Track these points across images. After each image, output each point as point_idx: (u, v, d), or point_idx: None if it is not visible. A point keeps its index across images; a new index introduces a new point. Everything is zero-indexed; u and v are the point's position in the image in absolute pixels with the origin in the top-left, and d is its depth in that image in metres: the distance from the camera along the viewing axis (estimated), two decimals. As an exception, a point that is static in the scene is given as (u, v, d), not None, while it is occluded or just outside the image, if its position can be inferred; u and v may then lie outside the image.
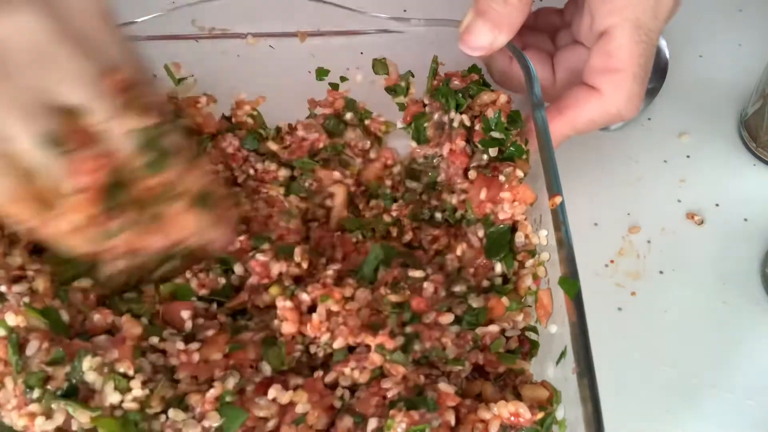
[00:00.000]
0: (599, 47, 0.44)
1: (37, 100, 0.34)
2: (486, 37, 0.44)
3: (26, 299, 0.36)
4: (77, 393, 0.33)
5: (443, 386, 0.34)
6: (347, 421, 0.34)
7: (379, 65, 0.50)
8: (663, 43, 0.60)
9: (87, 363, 0.33)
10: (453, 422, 0.34)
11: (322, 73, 0.51)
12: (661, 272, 0.51)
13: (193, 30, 0.47)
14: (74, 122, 0.35)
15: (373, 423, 0.34)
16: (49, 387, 0.33)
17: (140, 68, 0.38)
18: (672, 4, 0.44)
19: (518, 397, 0.36)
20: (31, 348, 0.34)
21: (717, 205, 0.54)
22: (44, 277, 0.38)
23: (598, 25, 0.44)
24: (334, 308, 0.37)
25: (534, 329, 0.40)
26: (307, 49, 0.49)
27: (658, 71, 0.59)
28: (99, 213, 0.36)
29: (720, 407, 0.46)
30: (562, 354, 0.36)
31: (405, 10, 0.64)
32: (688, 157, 0.57)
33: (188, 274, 0.41)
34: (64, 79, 0.34)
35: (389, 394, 0.35)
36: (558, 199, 0.38)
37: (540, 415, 0.34)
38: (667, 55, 0.60)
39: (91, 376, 0.33)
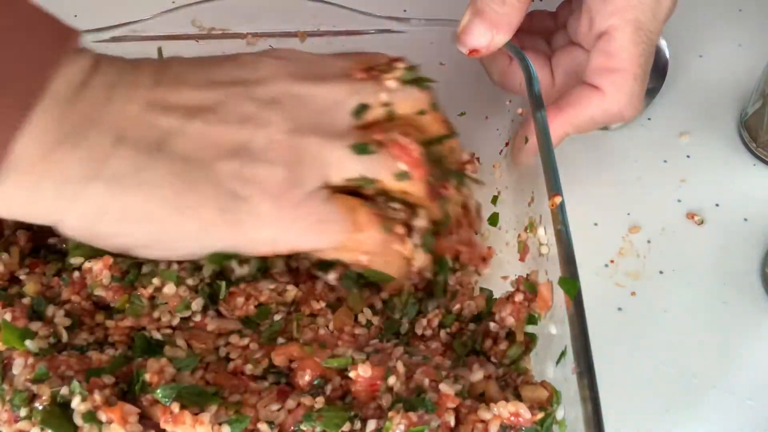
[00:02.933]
0: (600, 48, 0.44)
1: (335, 128, 0.39)
2: (484, 38, 0.44)
3: (8, 316, 0.35)
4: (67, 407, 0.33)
5: (444, 387, 0.34)
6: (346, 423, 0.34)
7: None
8: (663, 43, 0.60)
9: (76, 403, 0.32)
10: (453, 423, 0.34)
11: None
12: (661, 272, 0.51)
13: (193, 30, 0.47)
14: (370, 125, 0.40)
15: (371, 425, 0.34)
16: (36, 405, 0.32)
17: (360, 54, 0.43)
18: (671, 4, 0.44)
19: (518, 397, 0.36)
20: (17, 366, 0.34)
21: (717, 205, 0.54)
22: (35, 281, 0.38)
23: (598, 26, 0.44)
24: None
25: (534, 320, 0.40)
26: (307, 49, 0.49)
27: (658, 71, 0.59)
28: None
29: (720, 407, 0.46)
30: (562, 354, 0.36)
31: (405, 10, 0.64)
32: (688, 157, 0.57)
33: None
34: (335, 102, 0.39)
35: (384, 402, 0.35)
36: (558, 199, 0.38)
37: (540, 416, 0.34)
38: (667, 55, 0.60)
39: (78, 421, 0.32)
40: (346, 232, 0.38)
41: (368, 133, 0.39)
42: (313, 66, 0.40)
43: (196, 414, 0.32)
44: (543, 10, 0.53)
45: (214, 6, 0.47)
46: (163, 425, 0.33)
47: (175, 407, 0.32)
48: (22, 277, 0.39)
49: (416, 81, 0.41)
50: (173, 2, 0.58)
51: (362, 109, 0.39)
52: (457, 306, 0.42)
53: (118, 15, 0.47)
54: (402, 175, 0.39)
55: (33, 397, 0.33)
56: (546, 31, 0.52)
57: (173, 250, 0.37)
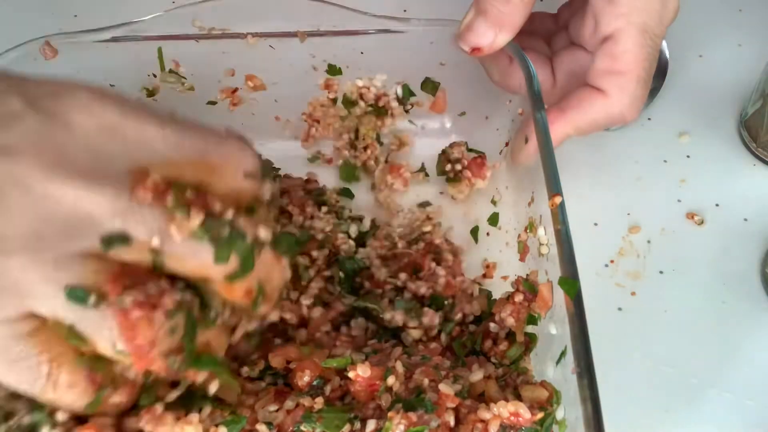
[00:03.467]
0: (604, 50, 0.44)
1: (64, 251, 0.28)
2: (487, 36, 0.44)
3: None
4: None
5: (444, 387, 0.34)
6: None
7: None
8: (663, 44, 0.60)
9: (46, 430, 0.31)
10: (452, 423, 0.34)
11: (333, 71, 0.51)
12: (661, 272, 0.51)
13: (193, 30, 0.47)
14: (119, 264, 0.29)
15: (371, 425, 0.34)
16: (10, 423, 0.31)
17: (188, 144, 0.30)
18: (676, 9, 0.44)
19: (518, 397, 0.36)
20: None
21: (717, 205, 0.54)
22: None
23: (604, 29, 0.44)
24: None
25: (534, 320, 0.40)
26: (307, 49, 0.49)
27: (658, 71, 0.58)
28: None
29: (720, 407, 0.46)
30: (562, 354, 0.36)
31: (405, 10, 0.64)
32: (688, 157, 0.57)
33: None
34: (87, 217, 0.28)
35: (383, 402, 0.35)
36: (558, 199, 0.38)
37: (540, 416, 0.34)
38: (667, 55, 0.60)
39: None
40: (40, 387, 0.30)
41: (106, 273, 0.28)
42: (99, 143, 0.28)
43: (179, 418, 0.32)
44: (544, 12, 0.53)
45: (214, 6, 0.47)
46: (143, 426, 0.32)
47: (158, 409, 0.32)
48: None
49: (228, 240, 0.30)
50: (173, 2, 0.58)
51: (118, 241, 0.28)
52: (459, 315, 0.42)
53: (118, 15, 0.47)
54: (120, 353, 0.29)
55: (8, 415, 0.32)
56: (547, 32, 0.52)
57: None
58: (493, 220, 0.51)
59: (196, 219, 0.29)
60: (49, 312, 0.28)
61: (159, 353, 0.29)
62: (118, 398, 0.31)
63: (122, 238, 0.28)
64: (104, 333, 0.29)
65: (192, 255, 0.30)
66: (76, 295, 0.28)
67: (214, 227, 0.29)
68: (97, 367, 0.30)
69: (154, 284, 0.29)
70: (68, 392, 0.30)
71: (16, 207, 0.27)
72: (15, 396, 0.31)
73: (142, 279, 0.29)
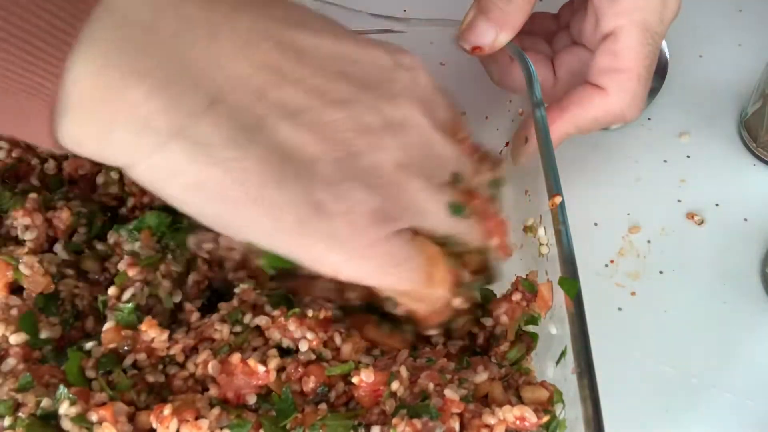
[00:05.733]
0: (605, 47, 0.44)
1: (436, 179, 0.36)
2: (488, 36, 0.44)
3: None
4: (55, 417, 0.32)
5: (449, 393, 0.34)
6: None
7: None
8: (663, 43, 0.60)
9: (64, 408, 0.32)
10: (457, 428, 0.33)
11: None
12: (661, 272, 0.51)
13: (194, 30, 0.47)
14: (460, 189, 0.38)
15: (375, 431, 0.34)
16: (20, 414, 0.32)
17: (463, 124, 0.40)
18: (676, 7, 0.44)
19: (519, 398, 0.36)
20: (6, 366, 0.34)
21: (717, 205, 0.54)
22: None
23: (605, 27, 0.44)
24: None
25: (534, 320, 0.40)
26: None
27: (658, 71, 0.58)
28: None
29: (720, 407, 0.46)
30: (562, 354, 0.36)
31: (405, 10, 0.64)
32: (688, 157, 0.57)
33: None
34: (444, 157, 0.36)
35: (388, 407, 0.35)
36: (558, 199, 0.38)
37: (545, 419, 0.34)
38: (667, 55, 0.60)
39: (67, 425, 0.32)
40: (418, 283, 0.36)
41: (464, 196, 0.37)
42: (440, 112, 0.38)
43: (188, 420, 0.32)
44: (545, 12, 0.53)
45: (214, 6, 0.47)
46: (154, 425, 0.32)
47: (167, 409, 0.32)
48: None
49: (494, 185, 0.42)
50: (173, 2, 0.58)
51: (458, 179, 0.38)
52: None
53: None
54: (485, 248, 0.39)
55: (18, 405, 0.32)
56: (547, 32, 0.52)
57: (235, 234, 0.34)
58: None
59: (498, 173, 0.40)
60: (431, 225, 0.36)
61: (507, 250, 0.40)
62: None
63: (459, 177, 0.38)
64: (477, 233, 0.38)
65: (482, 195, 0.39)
66: (457, 208, 0.36)
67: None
68: (456, 264, 0.38)
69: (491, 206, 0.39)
70: (440, 285, 0.36)
71: (414, 141, 0.35)
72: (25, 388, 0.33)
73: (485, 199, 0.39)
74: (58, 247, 0.40)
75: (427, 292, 0.36)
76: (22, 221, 0.39)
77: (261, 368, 0.34)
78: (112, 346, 0.36)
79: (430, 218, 0.35)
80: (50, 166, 0.44)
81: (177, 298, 0.39)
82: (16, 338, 0.35)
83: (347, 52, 0.34)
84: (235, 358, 0.34)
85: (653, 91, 0.59)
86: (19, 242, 0.39)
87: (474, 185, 0.38)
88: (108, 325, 0.36)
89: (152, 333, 0.35)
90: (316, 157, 0.31)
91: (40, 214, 0.40)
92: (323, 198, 0.31)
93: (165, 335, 0.35)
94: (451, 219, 0.36)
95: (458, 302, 0.38)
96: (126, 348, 0.36)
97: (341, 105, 0.32)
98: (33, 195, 0.40)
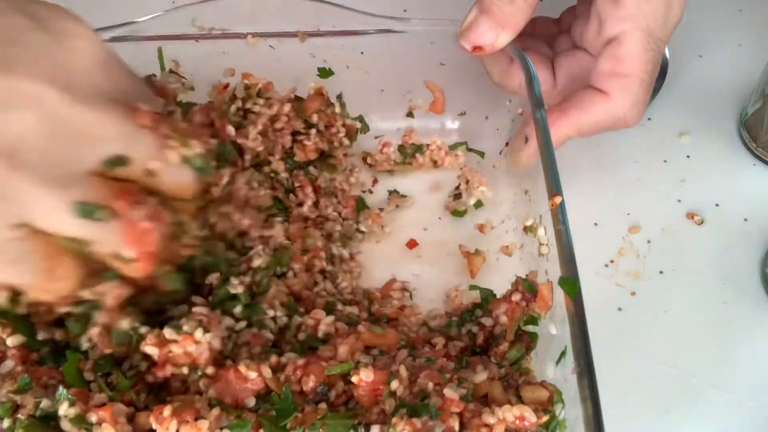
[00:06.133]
0: (608, 52, 0.44)
1: (69, 169, 0.30)
2: (489, 36, 0.44)
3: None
4: (54, 418, 0.32)
5: (448, 392, 0.34)
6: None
7: None
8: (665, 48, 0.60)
9: (63, 409, 0.32)
10: (457, 428, 0.33)
11: (324, 73, 0.51)
12: (661, 272, 0.51)
13: (193, 30, 0.47)
14: (117, 182, 0.32)
15: (375, 430, 0.34)
16: (19, 416, 0.32)
17: (155, 99, 0.36)
18: (680, 13, 0.44)
19: (519, 398, 0.36)
20: (4, 368, 0.34)
21: (717, 205, 0.54)
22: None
23: (608, 31, 0.44)
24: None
25: (534, 320, 0.40)
26: (307, 49, 0.49)
27: (659, 71, 0.59)
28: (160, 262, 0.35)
29: (720, 407, 0.46)
30: (562, 354, 0.36)
31: (405, 10, 0.64)
32: (688, 157, 0.57)
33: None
34: (94, 138, 0.31)
35: (387, 407, 0.35)
36: (558, 199, 0.38)
37: (545, 419, 0.34)
38: (667, 55, 0.60)
39: (66, 426, 0.32)
40: (38, 278, 0.32)
41: (107, 190, 0.32)
42: (97, 74, 0.32)
43: (188, 421, 0.32)
44: (546, 16, 0.54)
45: (214, 6, 0.47)
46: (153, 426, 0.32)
47: (167, 410, 0.32)
48: None
49: (202, 169, 0.36)
50: (173, 2, 0.58)
51: (119, 162, 0.32)
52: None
53: (118, 15, 0.47)
54: (124, 260, 0.33)
55: (17, 407, 0.33)
56: (549, 35, 0.52)
57: None
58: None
59: (197, 147, 0.34)
60: (49, 226, 0.31)
61: (157, 258, 0.34)
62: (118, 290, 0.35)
63: (123, 160, 0.32)
64: (111, 242, 0.32)
65: (179, 176, 0.34)
66: (86, 209, 0.31)
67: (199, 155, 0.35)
68: (88, 262, 0.33)
69: (152, 200, 0.33)
70: (64, 280, 0.33)
71: (30, 123, 0.29)
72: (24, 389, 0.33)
73: (138, 197, 0.33)
74: None
75: (51, 285, 0.33)
76: None
77: (252, 374, 0.34)
78: (107, 351, 0.36)
79: (43, 219, 0.31)
80: None
81: None
82: (13, 340, 0.35)
83: None
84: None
85: (653, 92, 0.58)
86: None
87: (153, 167, 0.33)
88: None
89: (141, 330, 0.35)
90: None
91: None
92: None
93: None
94: (76, 221, 0.31)
95: (99, 291, 0.35)
96: (122, 352, 0.36)
97: None
98: None
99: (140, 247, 0.33)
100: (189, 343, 0.35)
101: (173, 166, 0.34)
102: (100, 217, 0.31)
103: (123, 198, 0.32)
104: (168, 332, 0.35)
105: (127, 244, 0.32)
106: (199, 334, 0.35)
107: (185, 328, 0.35)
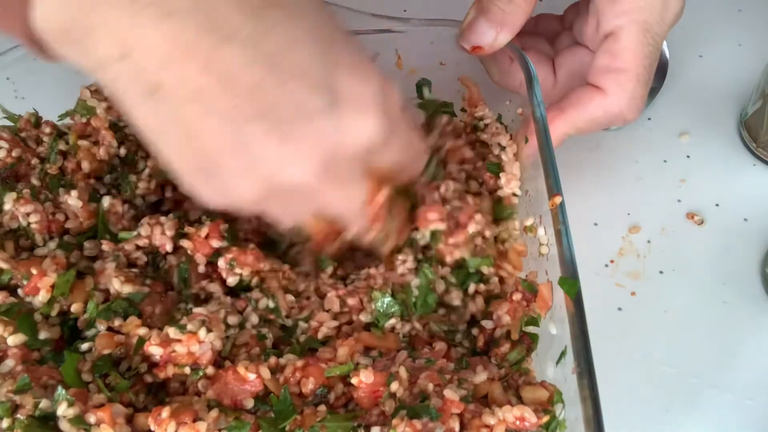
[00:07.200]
0: (605, 47, 0.44)
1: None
2: (488, 35, 0.44)
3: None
4: (53, 418, 0.32)
5: (449, 393, 0.34)
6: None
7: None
8: (663, 43, 0.60)
9: (62, 409, 0.32)
10: (457, 429, 0.33)
11: None
12: (661, 272, 0.51)
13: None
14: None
15: (375, 431, 0.34)
16: (18, 416, 0.32)
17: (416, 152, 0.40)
18: (678, 10, 0.44)
19: (519, 398, 0.36)
20: (5, 367, 0.34)
21: (717, 205, 0.54)
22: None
23: (605, 27, 0.44)
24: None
25: (534, 321, 0.40)
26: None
27: (658, 71, 0.58)
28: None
29: (720, 407, 0.46)
30: (562, 354, 0.36)
31: (405, 10, 0.64)
32: (688, 157, 0.57)
33: None
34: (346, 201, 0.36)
35: (387, 408, 0.35)
36: (558, 199, 0.38)
37: (545, 419, 0.34)
38: (667, 55, 0.60)
39: (65, 426, 0.32)
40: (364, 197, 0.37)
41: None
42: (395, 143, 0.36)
43: (186, 422, 0.32)
44: (550, 14, 0.53)
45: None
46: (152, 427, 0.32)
47: (165, 412, 0.32)
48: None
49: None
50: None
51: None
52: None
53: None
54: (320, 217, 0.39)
55: (16, 407, 0.33)
56: (551, 33, 0.52)
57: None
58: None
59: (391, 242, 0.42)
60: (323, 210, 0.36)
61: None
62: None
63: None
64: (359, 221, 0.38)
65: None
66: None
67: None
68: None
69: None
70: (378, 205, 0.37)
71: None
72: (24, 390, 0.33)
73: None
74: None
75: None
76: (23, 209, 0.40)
77: (251, 376, 0.34)
78: (106, 352, 0.36)
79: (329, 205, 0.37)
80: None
81: None
82: (14, 339, 0.35)
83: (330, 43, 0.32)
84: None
85: (653, 91, 0.59)
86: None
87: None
88: (100, 332, 0.36)
89: (140, 331, 0.36)
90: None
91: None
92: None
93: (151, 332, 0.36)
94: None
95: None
96: (120, 353, 0.36)
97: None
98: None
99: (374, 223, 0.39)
100: (193, 343, 0.35)
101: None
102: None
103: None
104: (172, 331, 0.35)
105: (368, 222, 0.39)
106: (203, 333, 0.35)
107: (189, 327, 0.35)
